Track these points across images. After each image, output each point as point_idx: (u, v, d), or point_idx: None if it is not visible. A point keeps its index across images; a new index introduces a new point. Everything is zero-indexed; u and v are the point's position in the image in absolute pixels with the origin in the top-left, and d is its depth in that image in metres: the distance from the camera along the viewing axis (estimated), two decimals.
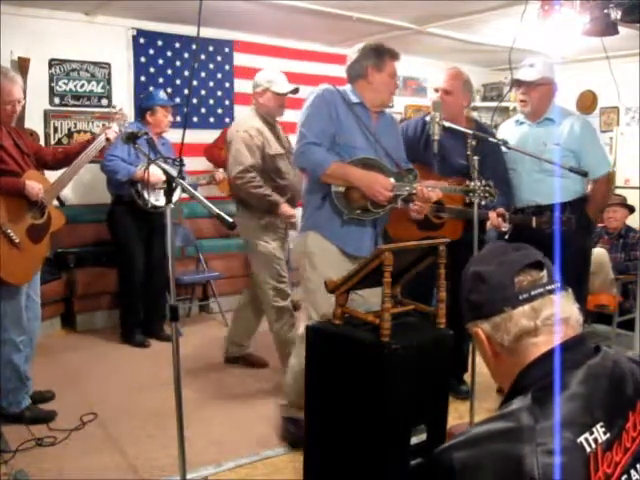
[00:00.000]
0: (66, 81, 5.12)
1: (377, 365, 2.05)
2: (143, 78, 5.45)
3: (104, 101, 5.30)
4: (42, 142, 4.90)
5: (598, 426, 1.01)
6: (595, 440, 1.00)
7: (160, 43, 5.51)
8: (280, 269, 3.66)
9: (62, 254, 4.82)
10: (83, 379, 3.81)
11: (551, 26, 3.67)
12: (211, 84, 5.88)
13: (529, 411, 1.02)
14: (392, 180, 2.77)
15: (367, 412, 2.08)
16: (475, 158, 2.85)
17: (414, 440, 2.13)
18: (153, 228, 4.48)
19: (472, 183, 2.86)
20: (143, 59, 5.46)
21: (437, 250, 2.20)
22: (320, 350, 2.25)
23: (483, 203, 2.92)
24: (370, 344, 2.08)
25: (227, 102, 5.99)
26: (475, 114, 6.66)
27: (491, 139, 3.04)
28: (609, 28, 3.48)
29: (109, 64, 5.30)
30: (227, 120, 5.94)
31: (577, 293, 1.21)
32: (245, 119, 3.76)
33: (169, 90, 5.49)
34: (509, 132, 3.46)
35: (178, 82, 5.63)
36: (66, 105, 5.14)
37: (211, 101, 5.89)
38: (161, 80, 5.52)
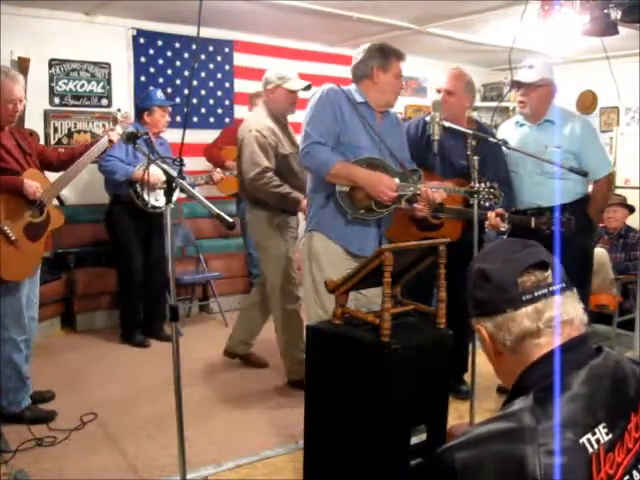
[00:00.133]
0: (66, 81, 5.12)
1: (377, 365, 2.05)
2: (143, 78, 5.45)
3: (104, 101, 5.30)
4: (42, 142, 4.90)
5: (600, 427, 1.01)
6: (597, 441, 1.00)
7: (160, 43, 5.51)
8: (291, 270, 3.59)
9: (62, 254, 4.82)
10: (83, 379, 3.81)
11: (551, 26, 3.67)
12: (211, 84, 5.88)
13: (531, 412, 1.02)
14: (397, 180, 2.77)
15: (367, 412, 2.08)
16: (475, 158, 2.85)
17: (414, 440, 2.12)
18: (151, 228, 4.48)
19: (477, 185, 2.85)
20: (143, 59, 5.46)
21: (437, 250, 2.19)
22: (320, 350, 2.25)
23: (487, 205, 2.92)
24: (370, 344, 2.08)
25: (227, 102, 5.99)
26: (475, 114, 6.65)
27: (491, 139, 3.05)
28: (609, 28, 3.48)
29: (109, 64, 5.30)
30: (227, 120, 5.94)
31: (579, 293, 1.20)
32: (257, 118, 3.66)
33: (169, 90, 5.50)
34: (509, 134, 3.45)
35: (178, 82, 5.63)
36: (66, 105, 5.14)
37: (211, 101, 5.89)
38: (161, 80, 5.52)
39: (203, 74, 5.80)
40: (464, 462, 1.01)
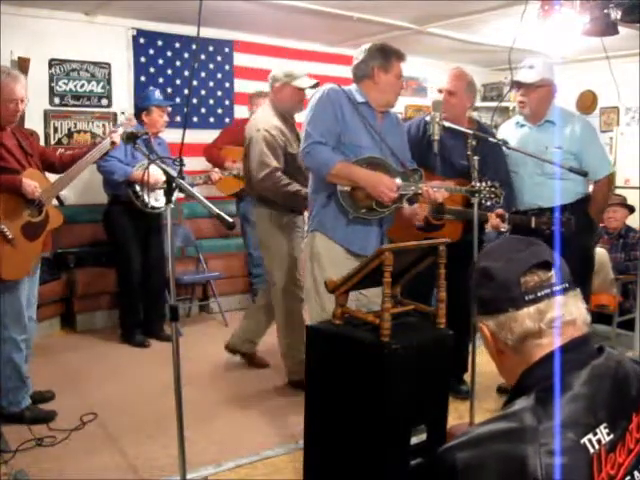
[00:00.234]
0: (66, 81, 5.11)
1: (377, 365, 2.05)
2: (143, 78, 5.44)
3: (104, 101, 5.30)
4: (42, 142, 4.90)
5: (602, 427, 1.01)
6: (598, 441, 1.00)
7: (160, 43, 5.51)
8: (295, 271, 3.54)
9: (62, 254, 4.82)
10: (83, 379, 3.81)
11: (551, 26, 3.67)
12: (211, 84, 5.88)
13: (532, 412, 1.02)
14: (398, 180, 2.77)
15: (367, 412, 2.08)
16: (475, 158, 2.85)
17: (414, 440, 2.12)
18: (150, 228, 4.48)
19: (478, 184, 2.85)
20: (143, 59, 5.46)
21: (437, 250, 2.20)
22: (320, 350, 2.25)
23: (488, 204, 2.92)
24: (370, 344, 2.08)
25: (227, 102, 5.99)
26: (475, 114, 6.65)
27: (491, 139, 3.04)
28: (609, 28, 3.48)
29: (109, 64, 5.30)
30: (227, 120, 5.94)
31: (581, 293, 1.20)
32: (264, 117, 3.59)
33: (169, 90, 5.51)
34: (509, 134, 3.45)
35: (178, 82, 5.63)
36: (66, 105, 5.14)
37: (211, 101, 5.89)
38: (161, 80, 5.52)
39: (203, 74, 5.80)
40: (465, 462, 1.01)
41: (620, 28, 3.61)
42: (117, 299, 4.73)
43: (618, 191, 5.74)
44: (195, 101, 5.77)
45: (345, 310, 2.24)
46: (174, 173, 2.36)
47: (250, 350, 3.97)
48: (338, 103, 2.77)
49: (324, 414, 2.25)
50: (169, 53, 5.57)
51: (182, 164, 2.46)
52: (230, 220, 2.23)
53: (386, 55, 2.83)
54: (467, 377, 3.30)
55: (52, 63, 5.03)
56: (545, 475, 0.94)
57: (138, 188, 4.24)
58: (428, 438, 2.15)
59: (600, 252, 4.47)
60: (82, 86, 5.19)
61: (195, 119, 5.75)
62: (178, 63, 5.62)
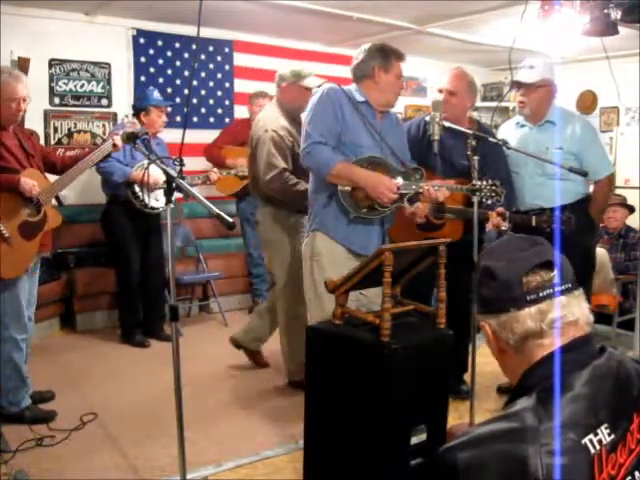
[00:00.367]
0: (66, 81, 5.11)
1: (377, 365, 2.05)
2: (143, 78, 5.44)
3: (104, 101, 5.30)
4: (42, 142, 4.90)
5: (602, 427, 1.01)
6: (599, 441, 1.00)
7: (160, 43, 5.51)
8: (299, 271, 3.48)
9: (61, 254, 4.82)
10: (83, 379, 3.81)
11: (551, 26, 3.67)
12: (211, 84, 5.87)
13: (533, 412, 1.02)
14: (399, 179, 2.76)
15: (367, 412, 2.08)
16: (475, 158, 2.84)
17: (414, 440, 2.12)
18: (149, 228, 4.48)
19: (479, 182, 2.85)
20: (143, 59, 5.46)
21: (437, 250, 2.19)
22: (320, 350, 2.25)
23: (489, 202, 2.91)
24: (370, 344, 2.08)
25: (227, 102, 5.99)
26: (475, 114, 6.66)
27: (491, 139, 3.04)
28: (609, 28, 3.48)
29: (109, 64, 5.30)
30: (227, 120, 5.94)
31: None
32: (271, 117, 3.56)
33: (169, 90, 5.51)
34: (510, 134, 3.45)
35: (178, 82, 5.63)
36: (66, 105, 5.14)
37: (211, 101, 5.89)
38: (161, 80, 5.52)
39: (203, 74, 5.80)
40: (466, 462, 1.01)
41: (620, 28, 3.61)
42: (117, 299, 4.72)
43: (618, 191, 5.74)
44: (195, 101, 5.77)
45: (345, 310, 2.24)
46: (174, 173, 2.36)
47: (256, 348, 3.94)
48: (338, 102, 2.77)
49: (324, 414, 2.25)
50: (169, 53, 5.57)
51: (182, 164, 2.46)
52: (230, 220, 2.23)
53: (386, 55, 2.83)
54: (467, 377, 3.30)
55: (52, 63, 5.03)
56: (546, 475, 0.94)
57: (137, 189, 4.23)
58: (428, 438, 2.15)
59: (600, 252, 4.47)
60: (82, 86, 5.19)
61: (195, 119, 5.75)
62: (178, 63, 5.62)
